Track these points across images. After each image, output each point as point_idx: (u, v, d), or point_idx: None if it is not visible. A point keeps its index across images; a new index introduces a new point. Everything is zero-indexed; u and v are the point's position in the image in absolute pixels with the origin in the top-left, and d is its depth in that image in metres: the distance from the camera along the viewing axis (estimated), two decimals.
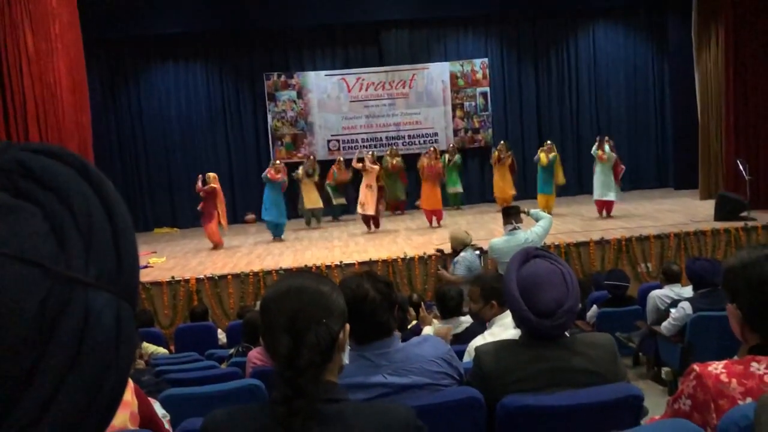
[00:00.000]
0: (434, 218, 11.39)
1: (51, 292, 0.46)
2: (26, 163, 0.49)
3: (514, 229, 6.16)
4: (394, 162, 12.89)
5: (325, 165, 13.18)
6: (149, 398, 2.54)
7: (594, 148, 10.95)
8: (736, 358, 1.57)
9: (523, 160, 13.44)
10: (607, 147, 10.77)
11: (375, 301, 2.00)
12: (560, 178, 11.85)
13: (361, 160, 11.48)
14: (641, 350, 6.02)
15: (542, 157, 11.47)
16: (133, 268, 0.52)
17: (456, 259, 6.88)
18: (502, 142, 12.98)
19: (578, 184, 14.27)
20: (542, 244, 7.20)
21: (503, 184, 12.53)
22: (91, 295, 0.48)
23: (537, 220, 6.26)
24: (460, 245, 6.82)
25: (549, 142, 11.92)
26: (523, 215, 6.47)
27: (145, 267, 9.72)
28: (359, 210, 11.16)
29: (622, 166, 11.00)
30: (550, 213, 11.61)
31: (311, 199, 12.14)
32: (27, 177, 0.49)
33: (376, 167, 11.12)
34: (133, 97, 13.92)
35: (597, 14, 14.57)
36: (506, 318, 3.34)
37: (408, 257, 8.96)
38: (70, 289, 0.47)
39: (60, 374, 0.45)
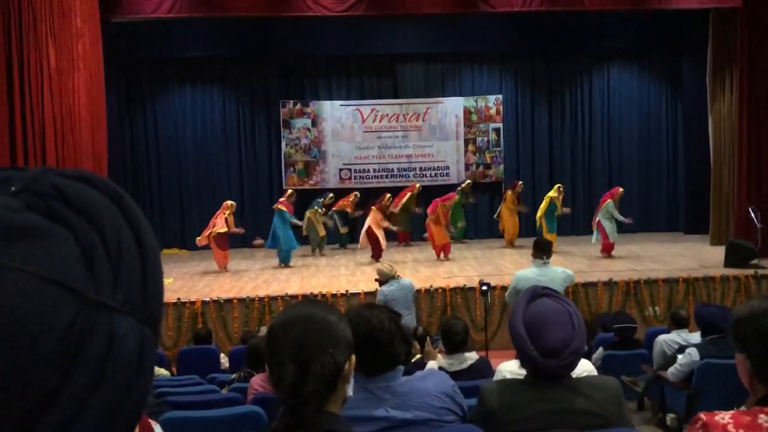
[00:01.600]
0: (442, 252, 11.39)
1: (79, 315, 0.47)
2: (61, 187, 0.51)
3: (545, 263, 6.00)
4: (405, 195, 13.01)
5: (338, 193, 13.24)
6: (150, 420, 2.53)
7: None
8: (743, 408, 1.55)
9: (533, 198, 13.42)
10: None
11: (392, 332, 2.01)
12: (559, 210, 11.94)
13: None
14: (647, 395, 5.95)
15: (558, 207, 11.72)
16: (157, 296, 0.54)
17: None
18: (519, 182, 13.05)
19: (588, 224, 14.21)
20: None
21: (513, 221, 12.55)
22: (116, 319, 0.49)
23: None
24: (385, 278, 7.10)
25: (560, 186, 12.05)
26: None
27: None
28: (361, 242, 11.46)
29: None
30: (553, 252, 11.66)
31: (321, 228, 12.30)
32: (61, 201, 0.50)
33: (384, 223, 11.46)
34: (150, 118, 14.08)
35: (612, 55, 14.68)
36: None
37: (414, 289, 8.92)
38: (97, 312, 0.48)
39: (82, 396, 0.46)
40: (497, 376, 3.22)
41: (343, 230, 13.06)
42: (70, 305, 0.47)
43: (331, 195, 12.93)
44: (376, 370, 2.03)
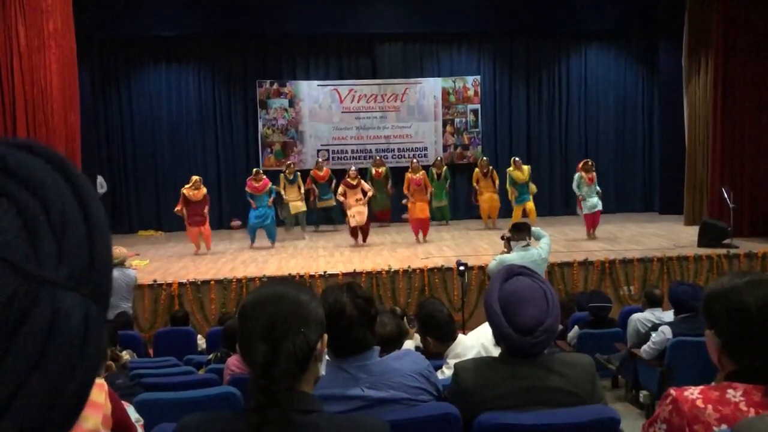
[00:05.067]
0: (420, 232, 11.37)
1: (18, 291, 0.45)
2: (2, 157, 0.49)
3: (527, 245, 5.92)
4: (379, 170, 12.91)
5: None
6: (123, 402, 2.51)
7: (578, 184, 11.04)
8: (713, 383, 1.57)
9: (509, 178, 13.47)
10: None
11: (352, 317, 1.97)
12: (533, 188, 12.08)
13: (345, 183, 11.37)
14: (620, 373, 6.04)
15: (518, 174, 11.72)
16: (105, 270, 0.51)
17: None
18: (483, 158, 13.10)
19: (564, 204, 14.33)
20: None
21: (490, 196, 12.57)
22: (59, 295, 0.47)
23: (538, 238, 6.13)
24: (117, 262, 7.44)
25: (517, 158, 12.18)
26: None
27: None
28: (351, 222, 11.03)
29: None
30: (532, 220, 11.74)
31: (296, 204, 12.09)
32: (2, 171, 0.48)
33: (363, 186, 11.19)
34: (124, 98, 13.86)
35: (589, 36, 14.71)
36: (457, 348, 3.35)
37: (392, 270, 8.95)
38: (39, 288, 0.46)
39: (22, 375, 0.44)
40: (473, 339, 3.24)
41: (323, 204, 12.80)
42: (9, 281, 0.44)
43: (291, 164, 12.54)
44: (343, 351, 2.01)
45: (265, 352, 1.35)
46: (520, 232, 5.93)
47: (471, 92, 14.55)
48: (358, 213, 10.94)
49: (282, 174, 12.23)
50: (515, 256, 5.72)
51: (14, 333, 0.44)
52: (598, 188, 10.96)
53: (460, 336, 3.48)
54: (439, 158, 13.50)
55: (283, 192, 12.03)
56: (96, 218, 0.51)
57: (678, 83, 12.88)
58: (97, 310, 0.50)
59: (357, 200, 11.00)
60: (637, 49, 14.80)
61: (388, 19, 13.66)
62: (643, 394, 5.56)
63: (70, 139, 9.71)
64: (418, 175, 11.58)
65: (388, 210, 13.29)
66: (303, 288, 1.52)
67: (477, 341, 3.30)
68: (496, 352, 2.29)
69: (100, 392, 2.13)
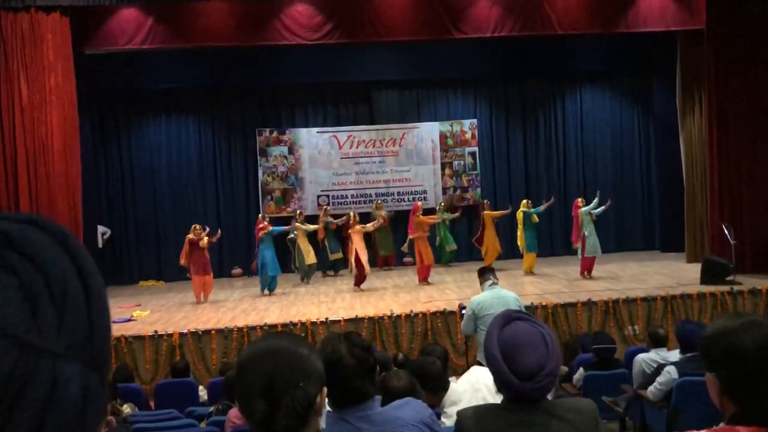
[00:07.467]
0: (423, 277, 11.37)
1: (19, 362, 0.46)
2: (5, 230, 0.50)
3: (494, 284, 5.99)
4: (382, 213, 12.96)
5: (315, 219, 13.17)
6: None
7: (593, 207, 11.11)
8: (722, 425, 1.56)
9: (510, 220, 13.49)
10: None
11: (349, 367, 1.96)
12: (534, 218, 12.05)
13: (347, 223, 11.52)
14: (628, 415, 5.95)
15: (534, 216, 11.75)
16: (104, 340, 0.53)
17: None
18: (485, 201, 13.19)
19: (565, 245, 14.31)
20: (529, 304, 7.25)
21: (493, 241, 12.58)
22: (59, 365, 0.48)
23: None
24: None
25: (527, 201, 12.18)
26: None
27: (129, 320, 9.60)
28: (354, 271, 11.11)
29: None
30: (532, 272, 11.73)
31: (309, 255, 12.12)
32: (5, 245, 0.50)
33: (369, 227, 11.27)
34: (124, 150, 13.99)
35: (583, 78, 14.92)
36: (452, 397, 3.36)
37: (394, 315, 8.90)
38: (39, 358, 0.47)
39: None
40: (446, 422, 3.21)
41: (333, 257, 12.95)
42: (10, 352, 0.46)
43: (299, 212, 12.73)
44: (342, 402, 2.00)
45: (264, 407, 1.34)
46: (485, 273, 6.17)
47: (468, 135, 14.69)
48: (359, 260, 10.99)
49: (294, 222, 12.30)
50: (487, 295, 5.84)
51: (15, 404, 0.45)
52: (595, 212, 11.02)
53: (452, 384, 3.47)
54: (441, 203, 13.55)
55: (294, 235, 12.11)
56: (95, 290, 0.53)
57: (673, 121, 13.00)
58: (96, 379, 0.51)
59: (357, 245, 11.04)
60: (631, 89, 14.99)
61: (383, 66, 13.88)
62: None
63: (71, 191, 9.78)
64: (423, 216, 11.67)
65: (393, 255, 13.40)
66: (301, 341, 1.52)
67: (468, 384, 3.30)
68: (498, 398, 2.27)
69: None
